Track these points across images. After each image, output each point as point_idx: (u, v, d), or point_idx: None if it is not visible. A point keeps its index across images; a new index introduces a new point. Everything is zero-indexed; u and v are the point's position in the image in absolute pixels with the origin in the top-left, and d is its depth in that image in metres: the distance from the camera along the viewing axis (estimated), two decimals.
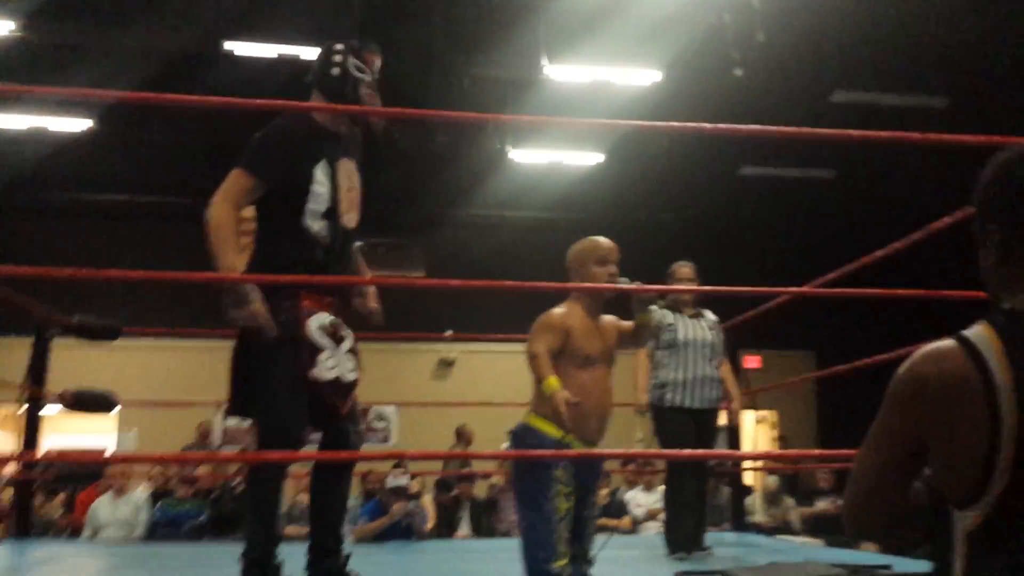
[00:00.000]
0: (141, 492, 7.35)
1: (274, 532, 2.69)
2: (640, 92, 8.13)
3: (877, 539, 1.35)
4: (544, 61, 7.70)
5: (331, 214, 2.80)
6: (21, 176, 9.80)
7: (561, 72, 7.85)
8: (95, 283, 10.06)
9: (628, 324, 3.04)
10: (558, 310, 2.87)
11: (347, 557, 2.84)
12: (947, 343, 1.20)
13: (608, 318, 2.99)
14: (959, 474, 1.16)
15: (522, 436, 2.82)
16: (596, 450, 2.88)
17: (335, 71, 2.85)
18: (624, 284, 2.90)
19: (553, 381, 2.68)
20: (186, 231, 11.00)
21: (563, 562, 2.71)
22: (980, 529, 1.15)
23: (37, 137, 9.11)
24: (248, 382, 2.71)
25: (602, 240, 3.00)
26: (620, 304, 2.99)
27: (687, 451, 4.14)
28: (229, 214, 2.65)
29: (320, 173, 2.78)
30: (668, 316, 4.53)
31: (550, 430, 2.77)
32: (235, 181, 2.69)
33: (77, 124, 8.97)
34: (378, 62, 2.93)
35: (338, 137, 2.87)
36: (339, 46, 2.89)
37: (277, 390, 2.64)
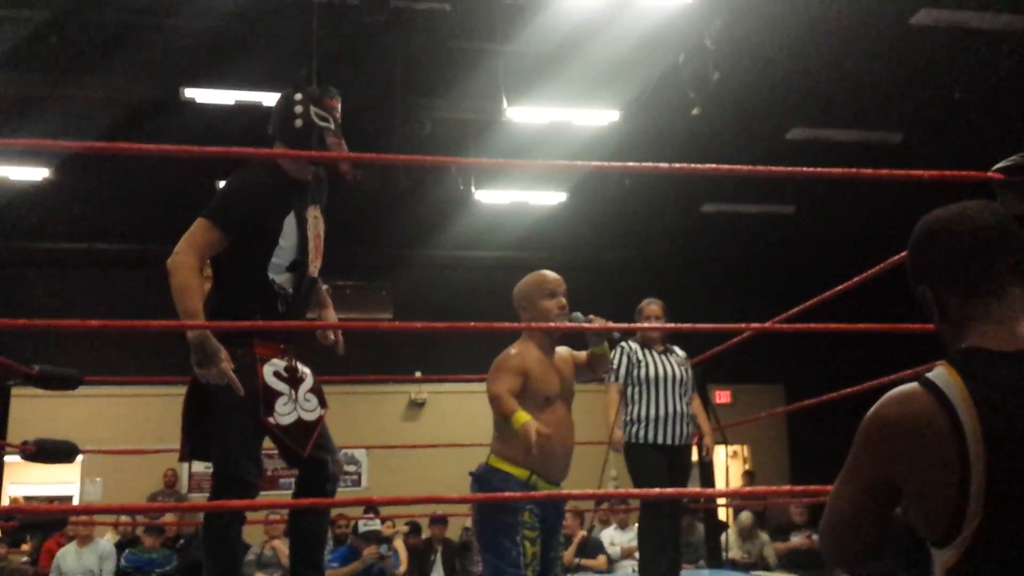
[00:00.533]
0: (107, 541, 7.26)
1: None
2: (599, 132, 8.24)
3: (853, 568, 1.36)
4: (504, 103, 7.78)
5: (296, 266, 2.77)
6: None
7: (521, 113, 7.94)
8: (55, 332, 9.94)
9: (582, 355, 3.04)
10: (513, 351, 2.85)
11: None
12: (911, 386, 1.23)
13: (562, 351, 2.98)
14: (932, 514, 1.18)
15: (486, 478, 2.78)
16: (567, 491, 2.86)
17: (298, 123, 2.78)
18: (579, 319, 2.90)
19: (522, 415, 2.65)
20: (145, 278, 10.95)
21: None
22: (957, 567, 1.17)
23: None
24: (201, 427, 2.69)
25: (547, 273, 2.99)
26: (574, 335, 3.00)
27: (657, 490, 4.12)
28: (194, 269, 2.60)
29: (287, 227, 2.74)
30: (638, 353, 4.56)
31: (515, 471, 2.74)
32: (201, 233, 2.63)
33: (34, 173, 8.88)
34: (338, 106, 2.88)
35: (305, 185, 2.84)
36: (298, 96, 2.81)
37: (231, 438, 2.61)
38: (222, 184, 2.79)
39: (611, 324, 2.91)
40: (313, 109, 2.80)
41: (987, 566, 1.14)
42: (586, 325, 2.89)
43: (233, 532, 2.66)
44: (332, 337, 2.95)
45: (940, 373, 1.22)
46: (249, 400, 2.61)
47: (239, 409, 2.60)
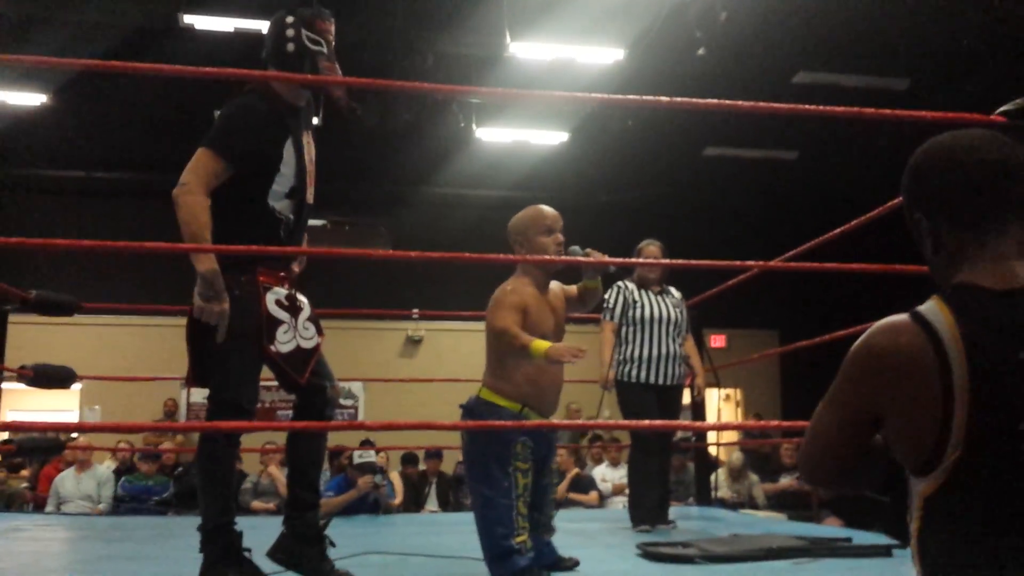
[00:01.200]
0: (105, 467, 7.36)
1: (230, 501, 2.67)
2: (603, 71, 8.14)
3: (830, 490, 1.40)
4: (508, 38, 7.67)
5: (294, 192, 2.75)
6: None
7: (525, 50, 7.83)
8: (54, 260, 9.94)
9: (573, 289, 3.04)
10: (510, 287, 2.85)
11: (326, 523, 2.86)
12: (901, 318, 1.23)
13: (553, 285, 2.99)
14: (914, 444, 1.19)
15: (477, 411, 2.80)
16: (558, 421, 2.89)
17: (290, 47, 2.72)
18: (577, 252, 2.90)
19: (540, 343, 2.64)
20: (141, 208, 10.87)
21: (523, 537, 2.70)
22: (935, 495, 1.19)
23: None
24: (204, 353, 2.69)
25: (545, 208, 2.97)
26: (569, 268, 2.99)
27: (647, 422, 4.16)
28: (203, 203, 2.57)
29: (287, 153, 2.72)
30: (635, 293, 4.58)
31: (507, 404, 2.77)
32: (205, 165, 2.59)
33: (32, 99, 8.79)
34: (332, 29, 2.81)
35: (298, 111, 2.81)
36: (290, 19, 2.75)
37: (231, 363, 2.62)
38: (218, 113, 2.74)
39: (607, 258, 2.91)
40: (305, 33, 2.74)
41: (964, 496, 1.17)
42: (582, 259, 2.89)
43: (227, 457, 2.67)
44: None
45: (931, 307, 1.22)
46: (252, 328, 2.62)
47: (241, 336, 2.61)
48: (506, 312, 2.77)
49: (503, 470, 2.72)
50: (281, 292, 2.73)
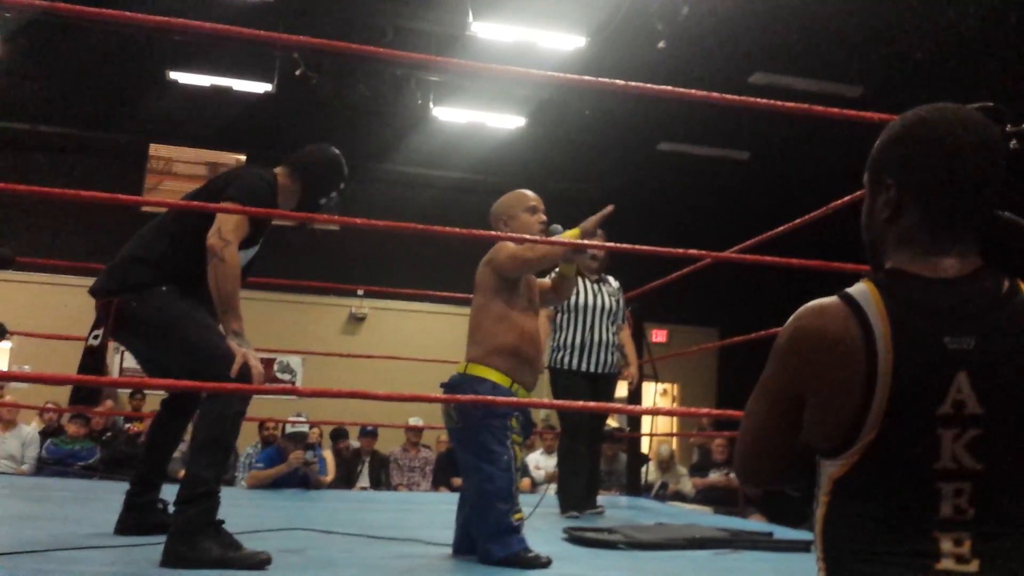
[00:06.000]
0: (31, 428, 7.18)
1: (224, 471, 2.71)
2: (564, 57, 8.14)
3: (765, 487, 1.37)
4: (470, 16, 7.63)
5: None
6: None
7: (487, 30, 7.80)
8: None
9: (546, 281, 3.07)
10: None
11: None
12: (829, 299, 1.23)
13: (530, 276, 2.97)
14: (833, 424, 1.19)
15: (472, 387, 2.73)
16: (537, 399, 2.86)
17: (324, 201, 3.08)
18: (558, 231, 2.88)
19: (570, 231, 2.77)
20: (86, 164, 10.58)
21: (520, 514, 2.68)
22: (845, 477, 1.19)
23: None
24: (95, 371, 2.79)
25: (528, 192, 3.02)
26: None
27: (583, 404, 4.17)
28: (237, 256, 2.70)
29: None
30: None
31: (498, 378, 2.73)
32: (240, 224, 2.74)
33: None
34: None
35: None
36: (342, 186, 3.11)
37: (221, 345, 2.63)
38: (244, 175, 2.90)
39: (575, 241, 2.87)
40: (338, 199, 3.11)
41: (873, 478, 1.17)
42: (560, 240, 2.84)
43: (236, 425, 2.67)
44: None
45: (860, 289, 1.22)
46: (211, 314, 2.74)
47: (213, 321, 2.72)
48: (506, 249, 2.79)
49: (502, 444, 2.68)
50: None
